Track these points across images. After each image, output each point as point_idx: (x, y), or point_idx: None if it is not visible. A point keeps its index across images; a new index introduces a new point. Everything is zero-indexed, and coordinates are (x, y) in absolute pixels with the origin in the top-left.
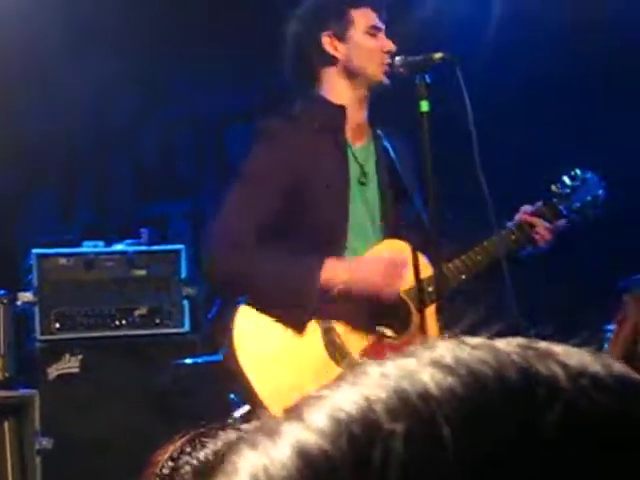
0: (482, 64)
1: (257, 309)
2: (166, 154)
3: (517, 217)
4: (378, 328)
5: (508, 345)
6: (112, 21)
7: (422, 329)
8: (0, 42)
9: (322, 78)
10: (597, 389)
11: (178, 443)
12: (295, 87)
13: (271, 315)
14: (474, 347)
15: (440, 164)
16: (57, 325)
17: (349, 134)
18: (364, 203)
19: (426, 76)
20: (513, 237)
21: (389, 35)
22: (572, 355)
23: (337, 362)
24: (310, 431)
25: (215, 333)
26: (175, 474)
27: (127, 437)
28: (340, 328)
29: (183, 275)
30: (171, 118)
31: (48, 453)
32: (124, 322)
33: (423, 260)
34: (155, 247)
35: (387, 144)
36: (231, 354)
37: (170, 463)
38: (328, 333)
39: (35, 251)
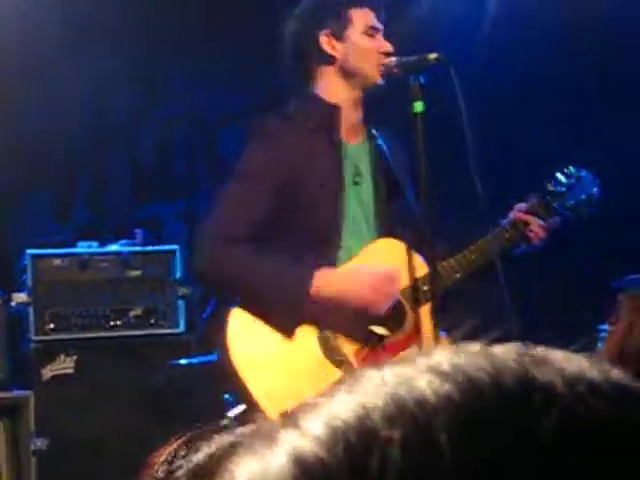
0: (478, 62)
1: (248, 311)
2: (163, 153)
3: (511, 215)
4: (372, 327)
5: (505, 351)
6: (110, 19)
7: (417, 328)
8: None
9: (318, 77)
10: (594, 395)
11: (173, 446)
12: (291, 85)
13: (260, 318)
14: (471, 354)
15: (434, 164)
16: (52, 326)
17: (344, 133)
18: (359, 202)
19: (420, 77)
20: (507, 235)
21: (386, 36)
22: (569, 361)
23: (331, 361)
24: (306, 438)
25: (210, 333)
26: (170, 477)
27: (122, 437)
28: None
29: (178, 275)
30: (169, 116)
31: (43, 454)
32: (119, 323)
33: (418, 259)
34: (150, 247)
35: (382, 144)
36: (225, 355)
37: (165, 466)
38: (322, 332)
39: (29, 251)
